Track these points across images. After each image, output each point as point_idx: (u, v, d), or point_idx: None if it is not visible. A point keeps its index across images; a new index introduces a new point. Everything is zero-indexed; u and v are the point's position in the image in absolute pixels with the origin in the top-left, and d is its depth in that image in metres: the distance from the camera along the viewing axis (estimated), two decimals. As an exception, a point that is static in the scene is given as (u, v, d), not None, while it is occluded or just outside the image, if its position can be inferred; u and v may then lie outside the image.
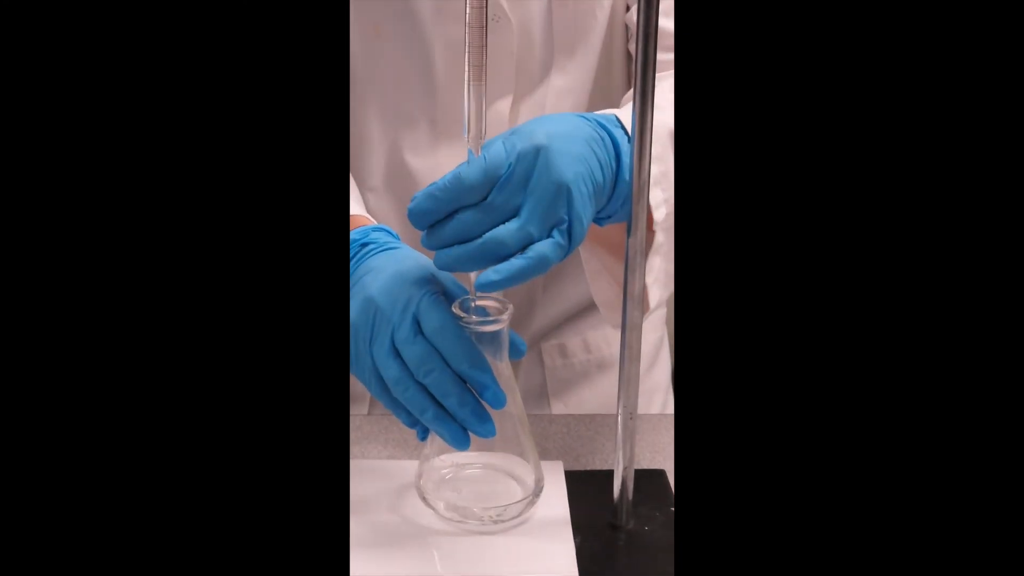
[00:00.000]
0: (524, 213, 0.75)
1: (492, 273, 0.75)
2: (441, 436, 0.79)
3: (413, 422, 0.80)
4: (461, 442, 0.78)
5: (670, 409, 1.22)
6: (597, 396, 1.16)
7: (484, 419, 0.78)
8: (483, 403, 0.78)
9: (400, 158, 1.04)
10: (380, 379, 0.79)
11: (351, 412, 1.13)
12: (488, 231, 0.75)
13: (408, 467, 0.90)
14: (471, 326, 0.78)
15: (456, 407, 0.77)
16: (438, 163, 1.03)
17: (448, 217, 0.76)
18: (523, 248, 0.75)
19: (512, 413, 0.82)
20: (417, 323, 0.77)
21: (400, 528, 0.84)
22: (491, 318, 0.79)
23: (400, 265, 0.80)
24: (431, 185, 0.75)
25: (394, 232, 0.87)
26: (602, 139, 0.79)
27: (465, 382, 0.78)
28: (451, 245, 0.76)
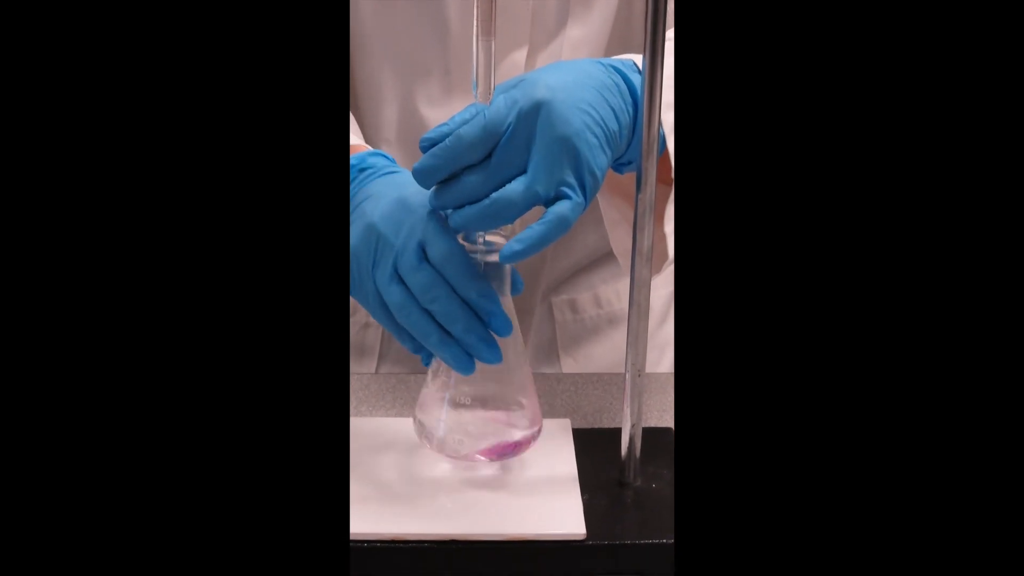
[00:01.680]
0: (530, 172, 0.74)
1: (515, 243, 0.74)
2: (445, 361, 0.79)
3: (417, 347, 0.80)
4: (466, 367, 0.78)
5: None
6: (608, 352, 1.16)
7: (492, 345, 0.78)
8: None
9: (414, 109, 1.04)
10: (383, 304, 0.79)
11: (359, 371, 1.13)
12: (494, 191, 0.75)
13: (407, 425, 0.90)
14: (477, 256, 0.78)
15: (463, 333, 0.77)
16: (452, 114, 1.03)
17: (454, 177, 0.75)
18: (530, 207, 0.75)
19: (516, 346, 0.82)
20: (422, 250, 0.77)
21: (406, 486, 0.84)
22: (495, 248, 0.78)
23: (402, 191, 0.80)
24: (435, 147, 0.75)
25: (391, 157, 0.87)
26: (616, 85, 0.78)
27: (470, 309, 0.78)
28: (461, 205, 0.76)
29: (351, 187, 0.83)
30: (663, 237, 0.87)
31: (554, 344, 1.14)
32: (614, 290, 1.15)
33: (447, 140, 0.74)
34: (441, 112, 1.03)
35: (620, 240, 0.94)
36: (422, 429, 0.84)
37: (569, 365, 1.15)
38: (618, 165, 0.82)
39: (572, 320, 1.15)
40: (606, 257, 1.14)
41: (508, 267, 0.80)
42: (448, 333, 0.78)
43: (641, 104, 0.76)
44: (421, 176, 0.75)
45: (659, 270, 0.87)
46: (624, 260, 0.95)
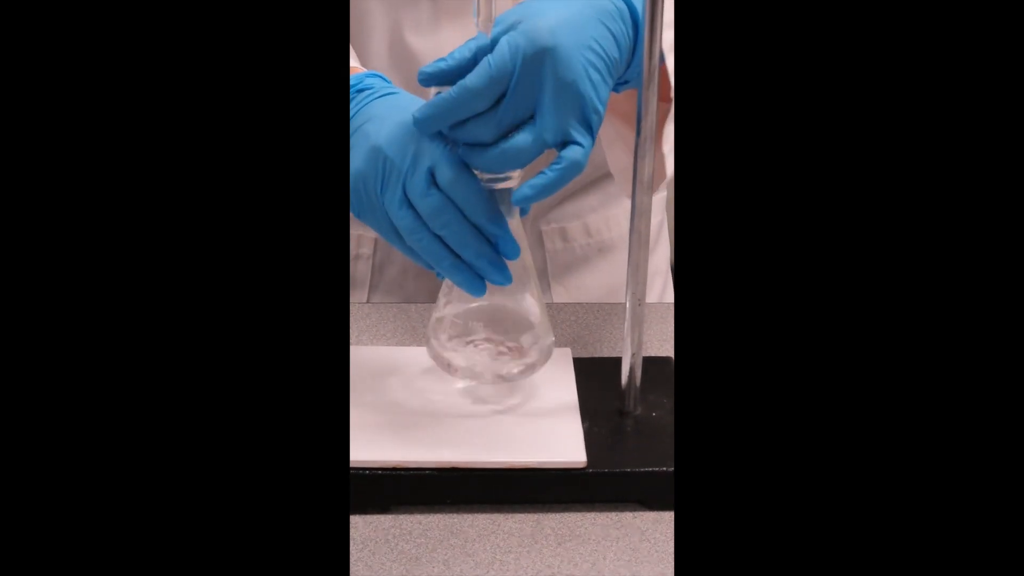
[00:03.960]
0: (537, 121, 0.75)
1: (527, 188, 0.76)
2: (457, 284, 0.80)
3: (429, 265, 0.81)
4: (477, 289, 0.80)
5: (669, 294, 1.23)
6: (598, 281, 1.16)
7: (501, 268, 0.79)
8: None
9: (401, 38, 1.03)
10: (394, 227, 0.80)
11: (352, 300, 1.13)
12: (502, 137, 0.75)
13: (415, 353, 0.91)
14: (484, 183, 0.78)
15: (473, 258, 0.78)
16: (440, 42, 1.02)
17: (460, 123, 0.76)
18: (540, 154, 0.76)
19: (524, 267, 0.83)
20: (431, 174, 0.77)
21: (407, 414, 0.84)
22: (503, 176, 0.79)
23: (405, 114, 0.79)
24: (440, 97, 0.75)
25: (387, 78, 0.87)
26: (618, 10, 0.78)
27: (480, 233, 0.78)
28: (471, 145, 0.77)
29: (350, 109, 0.83)
30: (661, 157, 0.87)
31: (545, 273, 1.14)
32: (603, 219, 1.15)
33: (452, 91, 0.74)
34: (429, 41, 1.02)
35: (617, 158, 0.94)
36: (436, 354, 0.84)
37: (560, 294, 1.15)
38: (616, 85, 0.82)
39: (563, 249, 1.15)
40: (594, 184, 1.14)
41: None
42: (459, 257, 0.78)
43: (642, 23, 0.76)
44: (423, 126, 0.76)
45: (656, 189, 0.87)
46: (620, 178, 0.95)
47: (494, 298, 0.83)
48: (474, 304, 0.84)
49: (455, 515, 0.78)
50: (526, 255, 0.82)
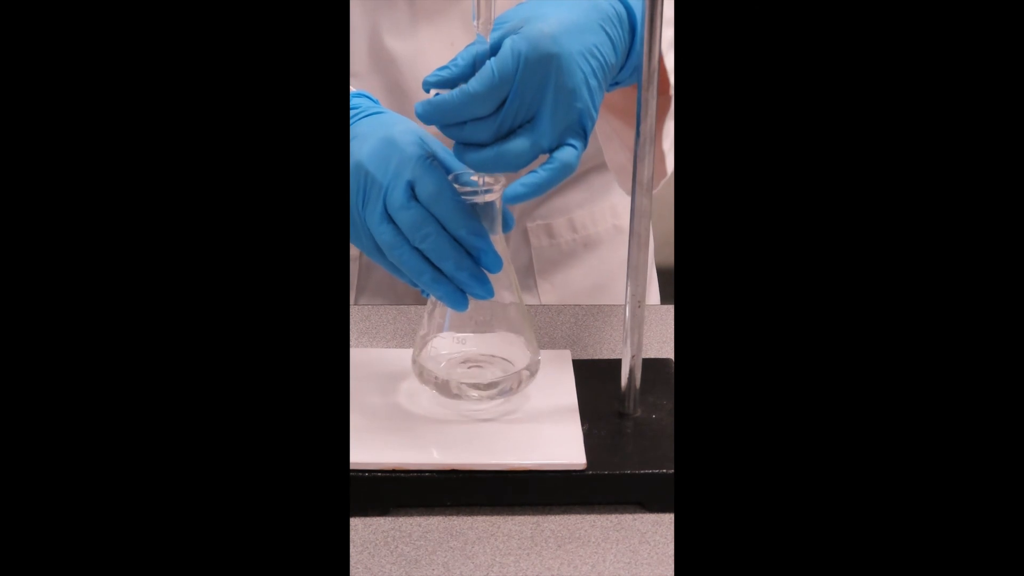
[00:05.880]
0: (536, 127, 0.75)
1: (519, 187, 0.76)
2: (438, 298, 0.80)
3: (413, 281, 0.81)
4: (459, 303, 0.79)
5: (655, 290, 1.23)
6: (584, 276, 1.16)
7: (483, 281, 0.79)
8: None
9: (380, 41, 1.03)
10: (375, 243, 0.80)
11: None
12: (501, 139, 0.76)
13: (408, 356, 0.91)
14: (466, 197, 0.78)
15: (454, 271, 0.78)
16: (419, 45, 1.03)
17: (459, 124, 0.76)
18: (536, 158, 0.76)
19: (507, 281, 0.83)
20: (411, 188, 0.77)
21: (407, 416, 0.84)
22: (486, 189, 0.79)
23: (389, 130, 0.80)
24: (443, 100, 0.75)
25: (375, 98, 0.87)
26: (617, 14, 0.78)
27: (461, 247, 0.78)
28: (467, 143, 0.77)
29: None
30: (662, 154, 0.87)
31: (531, 269, 1.15)
32: (589, 214, 1.16)
33: (454, 95, 0.74)
34: (408, 43, 1.03)
35: (614, 154, 0.94)
36: (421, 371, 0.84)
37: (546, 290, 1.15)
38: (610, 85, 0.82)
39: (548, 245, 1.15)
40: (579, 179, 1.14)
41: (499, 205, 0.80)
42: (440, 271, 0.78)
43: (639, 27, 0.76)
44: (424, 120, 0.76)
45: (656, 187, 0.87)
46: (618, 174, 0.95)
47: (479, 315, 0.83)
48: (458, 322, 0.83)
49: (455, 517, 0.78)
50: (510, 270, 0.82)
